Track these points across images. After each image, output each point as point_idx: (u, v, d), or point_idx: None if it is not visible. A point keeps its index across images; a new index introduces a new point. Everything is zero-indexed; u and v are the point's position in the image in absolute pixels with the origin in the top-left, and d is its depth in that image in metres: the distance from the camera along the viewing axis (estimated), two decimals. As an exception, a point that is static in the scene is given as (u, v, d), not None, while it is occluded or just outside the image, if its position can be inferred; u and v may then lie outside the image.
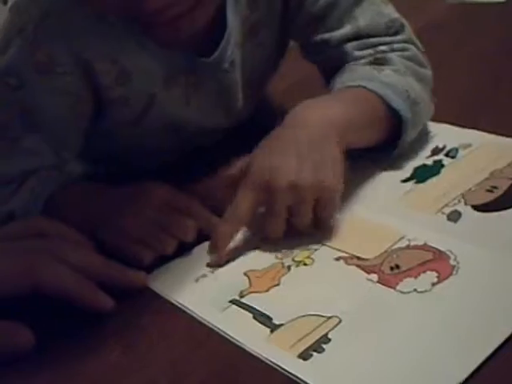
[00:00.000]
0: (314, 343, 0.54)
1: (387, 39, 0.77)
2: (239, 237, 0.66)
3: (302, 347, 0.53)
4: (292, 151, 0.64)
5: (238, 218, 0.64)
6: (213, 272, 0.63)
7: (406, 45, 0.78)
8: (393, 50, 0.77)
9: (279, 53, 0.84)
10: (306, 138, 0.65)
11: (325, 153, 0.64)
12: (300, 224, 0.64)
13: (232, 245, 0.65)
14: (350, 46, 0.77)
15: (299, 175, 0.62)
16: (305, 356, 0.53)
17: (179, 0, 0.62)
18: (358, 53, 0.77)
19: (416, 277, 0.59)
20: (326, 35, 0.77)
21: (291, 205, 0.63)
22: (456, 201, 0.67)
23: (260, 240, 0.66)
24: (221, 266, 0.64)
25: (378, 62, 0.76)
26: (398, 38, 0.78)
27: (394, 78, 0.73)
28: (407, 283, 0.58)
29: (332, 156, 0.64)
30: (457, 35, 1.01)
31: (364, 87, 0.71)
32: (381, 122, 0.71)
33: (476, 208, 0.66)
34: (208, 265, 0.64)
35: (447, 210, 0.66)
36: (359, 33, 0.77)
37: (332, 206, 0.64)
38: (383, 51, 0.77)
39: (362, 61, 0.77)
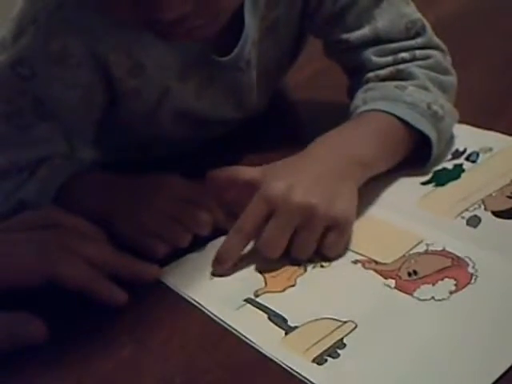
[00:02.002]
0: (329, 348, 0.53)
1: (407, 44, 0.76)
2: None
3: (316, 352, 0.53)
4: (311, 175, 0.63)
5: (247, 231, 0.61)
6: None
7: (428, 51, 0.76)
8: (415, 59, 0.75)
9: (297, 49, 0.83)
10: (326, 169, 0.64)
11: (342, 186, 0.63)
12: (300, 251, 0.61)
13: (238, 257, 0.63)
14: (369, 51, 0.76)
15: (314, 198, 0.60)
16: (319, 361, 0.52)
17: (197, 13, 0.59)
18: (377, 59, 0.75)
19: (434, 284, 0.58)
20: (345, 36, 0.76)
21: (298, 228, 0.60)
22: (476, 205, 0.66)
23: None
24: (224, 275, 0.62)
25: (400, 76, 0.74)
26: (419, 41, 0.76)
27: (418, 95, 0.71)
28: (425, 290, 0.58)
29: (349, 192, 0.63)
30: (473, 30, 0.99)
31: (389, 113, 0.69)
32: (404, 145, 0.70)
33: (496, 214, 0.65)
34: (212, 274, 0.62)
35: (467, 215, 0.65)
36: (378, 36, 0.75)
37: (341, 239, 0.62)
38: (404, 60, 0.75)
39: (383, 72, 0.75)
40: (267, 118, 0.84)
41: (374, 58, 0.75)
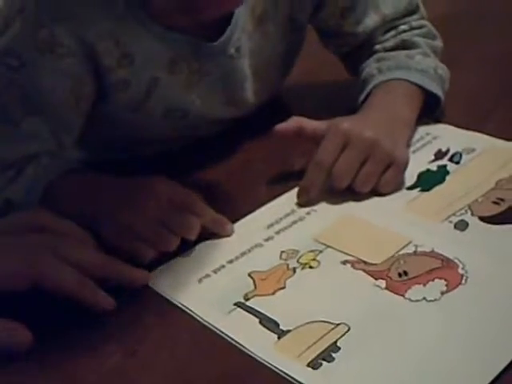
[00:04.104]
0: (323, 351, 0.52)
1: (407, 19, 0.84)
2: (243, 233, 0.65)
3: (310, 356, 0.52)
4: (371, 122, 0.71)
5: (326, 163, 0.68)
6: (216, 272, 0.62)
7: (421, 21, 0.84)
8: (412, 28, 0.83)
9: (290, 50, 0.83)
10: (382, 124, 0.71)
11: (398, 136, 0.71)
12: (363, 182, 0.68)
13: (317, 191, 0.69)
14: (377, 33, 0.83)
15: (381, 136, 0.69)
16: (314, 365, 0.51)
17: None
18: (382, 38, 0.83)
19: (425, 284, 0.58)
20: (359, 27, 0.82)
21: (365, 161, 0.68)
22: (463, 211, 0.66)
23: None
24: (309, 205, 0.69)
25: (406, 45, 0.82)
26: (415, 17, 0.84)
27: (425, 62, 0.80)
28: (416, 291, 0.57)
29: (403, 140, 0.72)
30: (464, 33, 1.00)
31: (406, 80, 0.77)
32: (420, 104, 0.78)
33: (483, 219, 0.65)
34: (297, 204, 0.69)
35: (454, 219, 0.65)
36: (386, 20, 0.83)
37: (398, 176, 0.69)
38: (404, 30, 0.83)
39: (389, 43, 0.83)
40: (261, 116, 0.83)
41: (380, 37, 0.83)
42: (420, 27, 0.83)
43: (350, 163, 0.68)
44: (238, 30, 0.74)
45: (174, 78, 0.73)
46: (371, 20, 0.82)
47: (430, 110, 0.79)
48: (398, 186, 0.70)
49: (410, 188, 0.70)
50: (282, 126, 0.72)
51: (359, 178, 0.68)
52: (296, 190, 0.70)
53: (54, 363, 0.54)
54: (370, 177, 0.68)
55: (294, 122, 0.72)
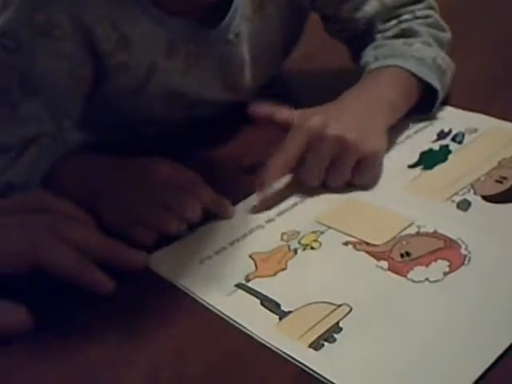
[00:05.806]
0: (324, 332, 0.52)
1: (409, 9, 0.81)
2: (244, 215, 0.65)
3: (312, 337, 0.52)
4: (344, 113, 0.69)
5: (286, 161, 0.66)
6: (217, 254, 0.61)
7: (427, 11, 0.82)
8: (416, 18, 0.81)
9: (290, 35, 0.82)
10: (359, 108, 0.70)
11: (374, 124, 0.69)
12: (334, 180, 0.66)
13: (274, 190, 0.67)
14: (377, 21, 0.81)
15: (347, 133, 0.66)
16: (316, 346, 0.51)
17: None
18: (382, 26, 0.81)
19: (427, 265, 0.57)
20: (358, 13, 0.80)
21: (333, 159, 0.66)
22: (465, 190, 0.66)
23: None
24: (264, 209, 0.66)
25: (406, 33, 0.80)
26: (420, 6, 0.82)
27: (424, 51, 0.77)
28: (418, 272, 0.57)
29: (379, 129, 0.69)
30: (470, 18, 0.98)
31: (400, 67, 0.75)
32: (414, 92, 0.75)
33: (485, 198, 0.64)
34: (254, 208, 0.66)
35: (457, 199, 0.65)
36: (386, 7, 0.80)
37: (370, 171, 0.67)
38: (407, 20, 0.81)
39: (389, 32, 0.80)
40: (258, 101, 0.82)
41: (380, 26, 0.81)
42: (425, 17, 0.81)
43: (316, 166, 0.66)
44: (237, 16, 0.73)
45: (172, 62, 0.72)
46: (370, 6, 0.80)
47: (429, 104, 0.76)
48: (373, 177, 0.68)
49: (412, 166, 0.70)
50: (253, 110, 0.70)
51: (330, 178, 0.67)
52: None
53: (54, 345, 0.53)
54: (340, 175, 0.66)
55: (267, 108, 0.70)
